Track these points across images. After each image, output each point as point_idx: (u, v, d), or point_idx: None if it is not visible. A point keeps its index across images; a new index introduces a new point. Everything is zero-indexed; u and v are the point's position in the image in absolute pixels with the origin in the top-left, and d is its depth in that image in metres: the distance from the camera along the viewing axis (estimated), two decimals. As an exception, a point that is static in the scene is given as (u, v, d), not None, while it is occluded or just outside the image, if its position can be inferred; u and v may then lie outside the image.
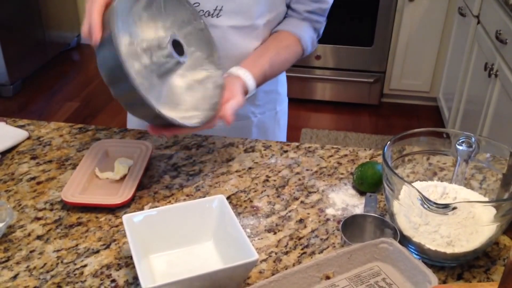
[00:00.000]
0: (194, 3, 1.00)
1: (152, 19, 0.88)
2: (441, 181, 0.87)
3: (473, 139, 0.83)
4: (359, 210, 0.88)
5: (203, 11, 1.00)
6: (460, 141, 0.84)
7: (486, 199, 0.83)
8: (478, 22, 2.34)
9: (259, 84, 1.00)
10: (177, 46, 0.86)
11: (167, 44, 0.83)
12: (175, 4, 0.91)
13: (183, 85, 0.91)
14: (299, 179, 0.95)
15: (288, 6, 1.08)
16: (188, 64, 0.91)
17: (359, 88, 3.15)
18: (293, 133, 2.87)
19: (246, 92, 0.97)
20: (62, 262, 0.77)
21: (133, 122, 1.19)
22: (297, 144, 1.06)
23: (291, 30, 1.07)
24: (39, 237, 0.81)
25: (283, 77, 1.24)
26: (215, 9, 1.00)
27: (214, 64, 0.95)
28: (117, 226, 0.83)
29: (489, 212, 0.73)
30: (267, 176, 0.96)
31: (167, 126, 0.83)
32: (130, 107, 0.82)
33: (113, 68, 0.76)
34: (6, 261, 0.77)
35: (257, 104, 1.18)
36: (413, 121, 3.10)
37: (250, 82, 0.97)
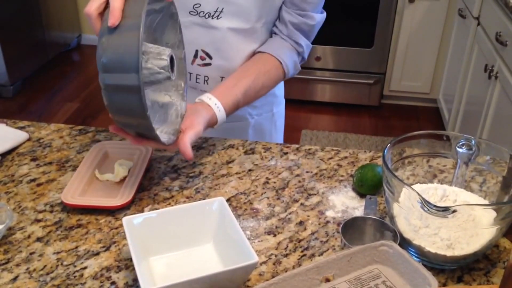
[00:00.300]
0: (195, 4, 1.00)
1: (158, 27, 0.89)
2: (441, 183, 0.87)
3: (473, 141, 0.83)
4: (359, 212, 0.88)
5: (203, 12, 1.01)
6: (460, 143, 0.84)
7: (486, 201, 0.83)
8: (478, 24, 2.34)
9: (229, 113, 0.98)
10: (171, 63, 0.85)
11: (167, 57, 0.82)
12: (171, 25, 0.91)
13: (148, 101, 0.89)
14: (299, 181, 0.95)
15: (278, 18, 1.07)
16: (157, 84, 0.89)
17: (359, 90, 3.15)
18: (293, 135, 2.87)
19: (215, 122, 0.95)
20: (62, 264, 0.77)
21: None
22: (297, 146, 1.06)
23: (274, 53, 1.05)
24: (39, 239, 0.81)
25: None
26: (216, 11, 1.00)
27: (181, 95, 0.95)
28: (117, 228, 0.83)
29: (489, 215, 0.73)
30: (267, 178, 0.96)
31: (140, 135, 0.83)
32: (120, 102, 0.78)
33: (124, 56, 0.74)
34: (6, 263, 0.77)
35: (254, 105, 1.18)
36: (413, 122, 3.11)
37: (221, 113, 0.95)
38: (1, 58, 3.10)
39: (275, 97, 1.23)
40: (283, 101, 1.28)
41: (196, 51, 1.06)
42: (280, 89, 1.25)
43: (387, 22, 2.94)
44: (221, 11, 1.00)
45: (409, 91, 3.17)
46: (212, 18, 1.01)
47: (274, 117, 1.25)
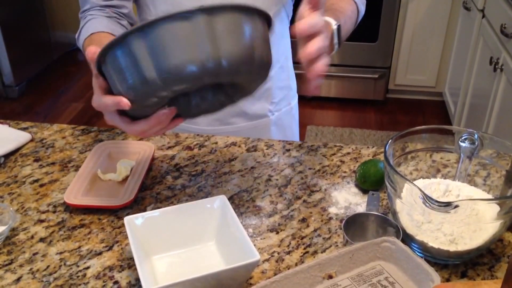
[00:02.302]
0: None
1: None
2: (445, 178, 0.86)
3: (476, 135, 0.83)
4: (361, 208, 0.88)
5: None
6: (463, 138, 0.84)
7: (490, 196, 0.82)
8: (483, 16, 2.32)
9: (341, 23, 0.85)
10: None
11: None
12: None
13: None
14: (302, 178, 0.95)
15: None
16: None
17: (364, 84, 3.14)
18: (299, 131, 2.86)
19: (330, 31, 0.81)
20: (65, 264, 0.77)
21: None
22: (299, 142, 1.06)
23: None
24: (42, 240, 0.81)
25: (293, 72, 1.24)
26: None
27: None
28: (119, 227, 0.83)
29: (493, 209, 0.73)
30: (269, 175, 0.96)
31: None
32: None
33: None
34: (10, 264, 0.77)
35: (273, 101, 1.18)
36: (418, 116, 3.09)
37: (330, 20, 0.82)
38: (6, 58, 3.11)
39: (290, 90, 1.24)
40: (296, 94, 1.28)
41: None
42: (293, 82, 1.26)
43: (392, 16, 2.92)
44: None
45: (415, 85, 3.15)
46: None
47: (293, 110, 1.26)
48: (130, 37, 0.64)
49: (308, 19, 0.71)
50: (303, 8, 0.74)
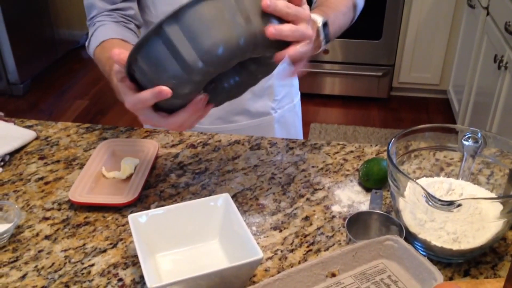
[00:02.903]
0: None
1: None
2: (448, 176, 0.87)
3: (479, 134, 0.83)
4: (365, 207, 0.88)
5: None
6: (466, 136, 0.84)
7: (493, 194, 0.82)
8: (488, 14, 2.32)
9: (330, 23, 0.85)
10: None
11: None
12: None
13: None
14: (305, 176, 0.95)
15: None
16: None
17: (368, 82, 3.13)
18: (302, 128, 2.86)
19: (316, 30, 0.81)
20: (69, 261, 0.77)
21: None
22: (302, 140, 1.06)
23: None
24: (47, 237, 0.82)
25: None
26: None
27: None
28: (123, 225, 0.84)
29: (496, 208, 0.73)
30: (272, 173, 0.96)
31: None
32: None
33: None
34: (15, 261, 0.78)
35: (276, 99, 1.18)
36: (422, 114, 3.08)
37: (317, 18, 0.82)
38: (11, 56, 3.12)
39: (292, 86, 1.24)
40: (299, 92, 1.29)
41: None
42: (295, 79, 1.26)
43: (396, 13, 2.91)
44: None
45: (419, 82, 3.14)
46: None
47: (296, 108, 1.26)
48: (165, 25, 0.65)
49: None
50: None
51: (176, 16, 0.65)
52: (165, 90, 0.67)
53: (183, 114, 0.72)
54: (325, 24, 0.84)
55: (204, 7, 0.65)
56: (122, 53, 0.69)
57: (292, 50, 0.70)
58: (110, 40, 0.94)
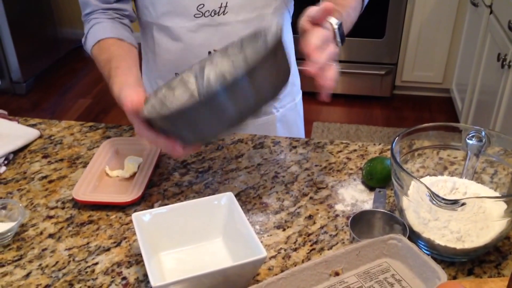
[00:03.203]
0: (199, 5, 0.99)
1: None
2: (452, 175, 0.86)
3: (483, 133, 0.83)
4: (368, 205, 0.88)
5: (208, 11, 1.00)
6: (470, 135, 0.83)
7: (497, 193, 0.82)
8: (491, 12, 2.31)
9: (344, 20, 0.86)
10: None
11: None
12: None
13: None
14: (308, 175, 0.95)
15: None
16: None
17: (371, 81, 3.13)
18: (304, 127, 2.86)
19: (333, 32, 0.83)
20: (73, 260, 0.78)
21: None
22: (306, 139, 1.06)
23: None
24: (51, 236, 0.82)
25: (296, 68, 1.24)
26: (220, 7, 1.00)
27: None
28: (127, 224, 0.84)
29: (500, 207, 0.73)
30: (276, 172, 0.96)
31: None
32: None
33: None
34: (19, 259, 0.78)
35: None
36: (425, 113, 3.08)
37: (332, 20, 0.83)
38: (13, 55, 3.13)
39: (294, 85, 1.24)
40: (300, 90, 1.29)
41: (209, 52, 1.05)
42: (297, 77, 1.26)
43: (399, 12, 2.91)
44: (225, 6, 1.00)
45: (422, 81, 3.14)
46: (218, 15, 1.00)
47: (297, 106, 1.26)
48: (192, 107, 0.69)
49: (314, 39, 0.76)
50: (304, 21, 0.78)
51: (203, 101, 0.69)
52: (178, 149, 0.74)
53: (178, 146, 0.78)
54: (340, 26, 0.85)
55: (226, 89, 0.68)
56: (134, 102, 0.76)
57: (332, 75, 0.77)
58: (106, 40, 0.96)
